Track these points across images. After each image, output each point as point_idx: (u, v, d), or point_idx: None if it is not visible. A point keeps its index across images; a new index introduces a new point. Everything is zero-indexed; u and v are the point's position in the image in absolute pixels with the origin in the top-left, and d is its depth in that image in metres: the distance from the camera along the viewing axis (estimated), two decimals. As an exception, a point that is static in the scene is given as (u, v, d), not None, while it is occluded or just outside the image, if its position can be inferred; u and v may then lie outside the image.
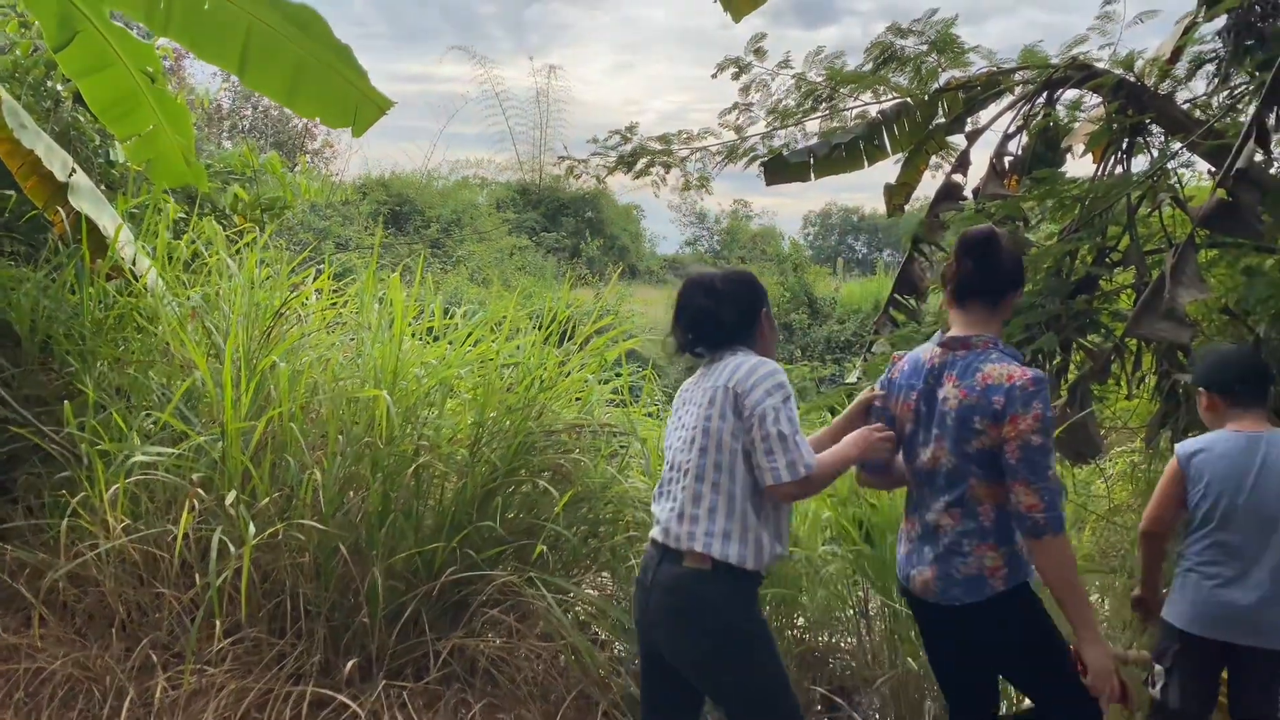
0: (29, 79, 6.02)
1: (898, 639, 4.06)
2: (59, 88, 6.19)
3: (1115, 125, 5.76)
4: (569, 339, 4.90)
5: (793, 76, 6.76)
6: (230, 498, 3.81)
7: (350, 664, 3.78)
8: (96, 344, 4.73)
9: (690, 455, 2.85)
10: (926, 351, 2.92)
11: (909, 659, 3.98)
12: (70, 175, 5.13)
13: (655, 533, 2.93)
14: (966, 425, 2.71)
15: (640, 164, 7.80)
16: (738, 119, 7.22)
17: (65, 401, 4.28)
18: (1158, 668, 3.28)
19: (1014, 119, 6.45)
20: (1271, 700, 3.15)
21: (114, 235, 5.08)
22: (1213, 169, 5.44)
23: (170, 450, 4.07)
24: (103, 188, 6.28)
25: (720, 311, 2.96)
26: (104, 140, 6.44)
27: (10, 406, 4.48)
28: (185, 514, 3.72)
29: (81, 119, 6.25)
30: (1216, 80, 5.73)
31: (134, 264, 5.16)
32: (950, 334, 2.88)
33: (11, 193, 5.33)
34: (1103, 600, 5.10)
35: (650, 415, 5.16)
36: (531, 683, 3.94)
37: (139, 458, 3.95)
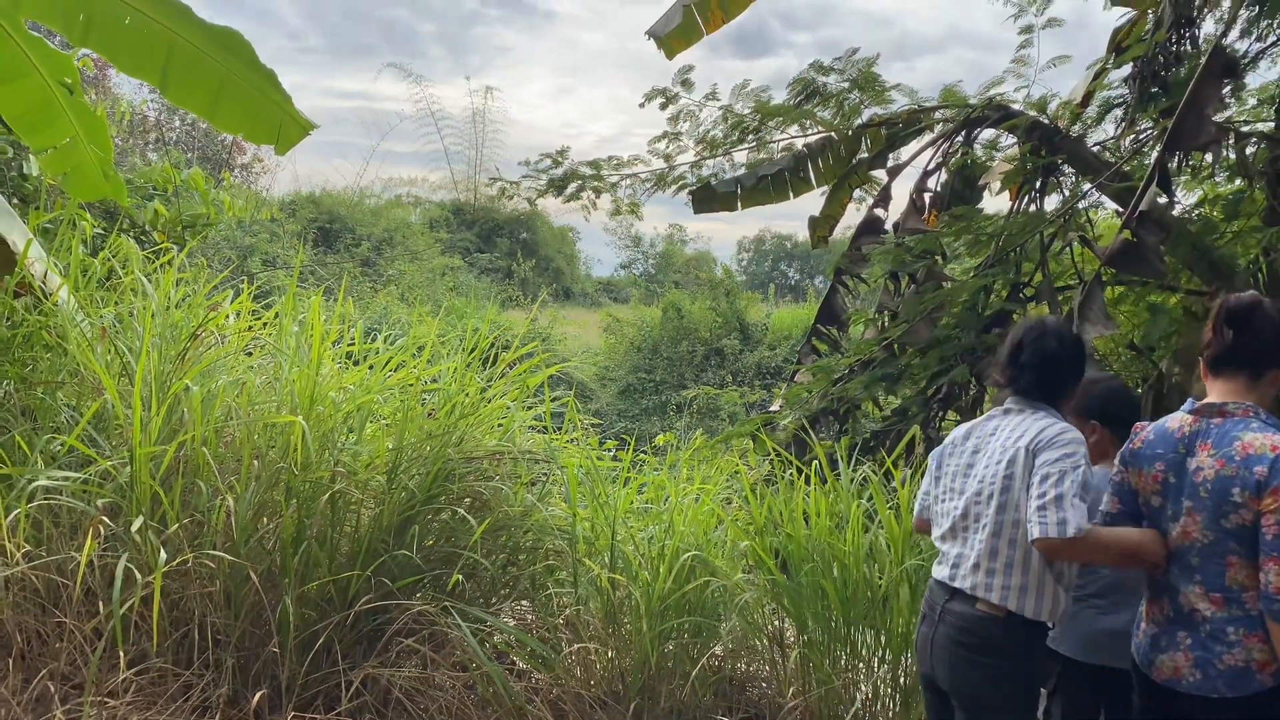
0: (-62, 88, 5.83)
1: (810, 666, 4.11)
2: (-30, 98, 6.00)
3: (1029, 165, 5.96)
4: (494, 363, 4.89)
5: (720, 108, 6.87)
6: (137, 524, 3.71)
7: (259, 694, 3.70)
8: (1, 363, 4.59)
9: (988, 510, 2.92)
10: (1175, 420, 2.75)
11: (820, 685, 4.03)
12: (-22, 189, 4.98)
13: (942, 574, 3.04)
14: (1224, 498, 2.54)
15: (571, 188, 7.85)
16: (667, 148, 7.32)
17: (-35, 423, 4.15)
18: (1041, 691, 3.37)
19: (934, 156, 6.65)
20: None
21: (23, 251, 4.94)
22: (1120, 209, 5.66)
23: (75, 475, 3.95)
24: (15, 201, 6.11)
25: (1065, 361, 3.03)
26: (18, 153, 6.27)
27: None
28: (89, 540, 3.62)
29: (-6, 130, 6.08)
30: (1124, 124, 5.97)
31: (44, 281, 5.02)
32: (1204, 401, 2.71)
33: (-84, 206, 5.15)
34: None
35: (572, 442, 5.15)
36: (445, 712, 3.90)
37: (42, 482, 3.83)
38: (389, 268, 22.87)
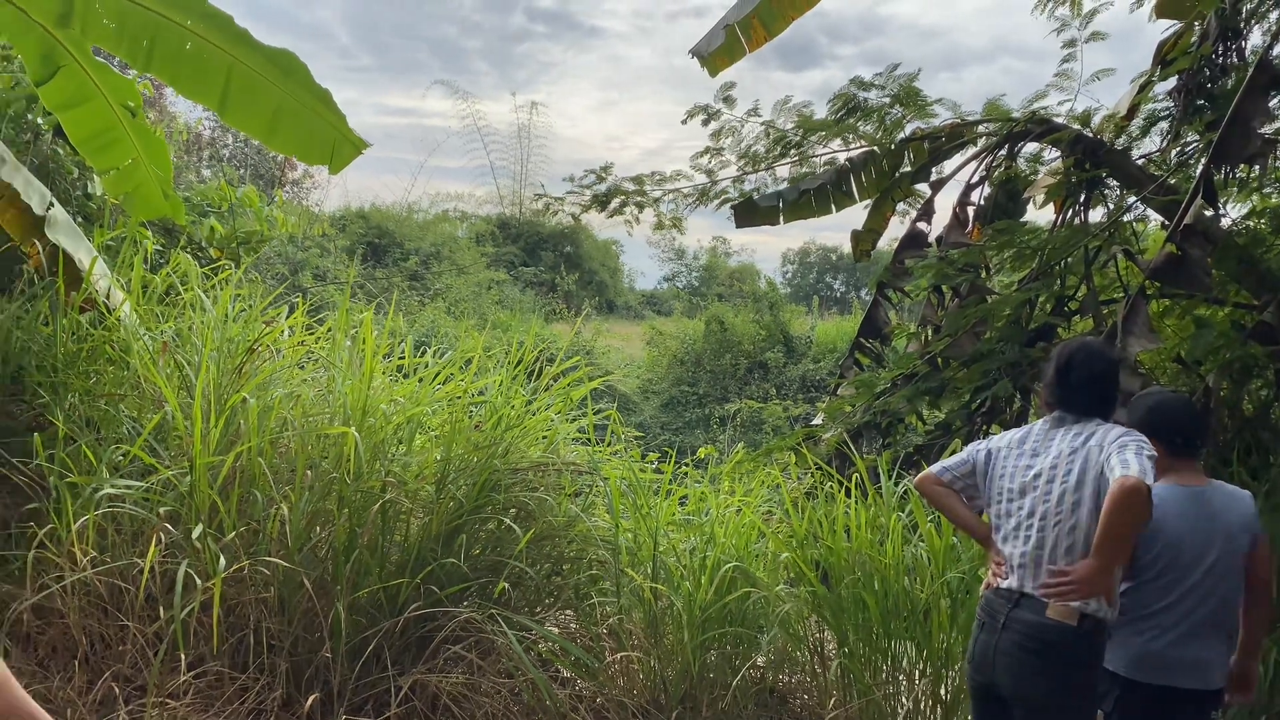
0: (9, 112, 6.08)
1: (851, 678, 4.14)
2: (39, 121, 6.25)
3: (1073, 179, 5.94)
4: (539, 376, 4.99)
5: (761, 124, 6.93)
6: (197, 532, 3.85)
7: (312, 699, 3.80)
8: (68, 376, 4.77)
9: (1063, 509, 3.03)
10: None
11: (861, 697, 4.06)
12: (48, 209, 5.18)
13: (1010, 581, 3.10)
14: None
15: (614, 204, 7.94)
16: (709, 163, 7.39)
17: (35, 433, 4.31)
18: (1099, 713, 3.37)
19: (977, 169, 6.65)
20: None
21: (89, 268, 5.13)
22: (1166, 222, 5.62)
23: (139, 483, 4.11)
24: (80, 220, 6.33)
25: (1111, 380, 3.20)
26: (83, 173, 6.49)
27: (-21, 436, 4.50)
28: (152, 547, 3.76)
29: (61, 152, 6.31)
30: (1169, 137, 5.93)
31: (108, 297, 5.20)
32: None
33: (-12, 224, 5.37)
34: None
35: (615, 454, 5.22)
36: (491, 718, 3.98)
37: (107, 490, 3.99)
38: (436, 281, 23.18)
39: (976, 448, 3.37)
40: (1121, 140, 6.17)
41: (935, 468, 3.41)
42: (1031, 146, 6.60)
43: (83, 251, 5.30)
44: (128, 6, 4.66)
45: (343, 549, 4.10)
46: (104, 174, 5.63)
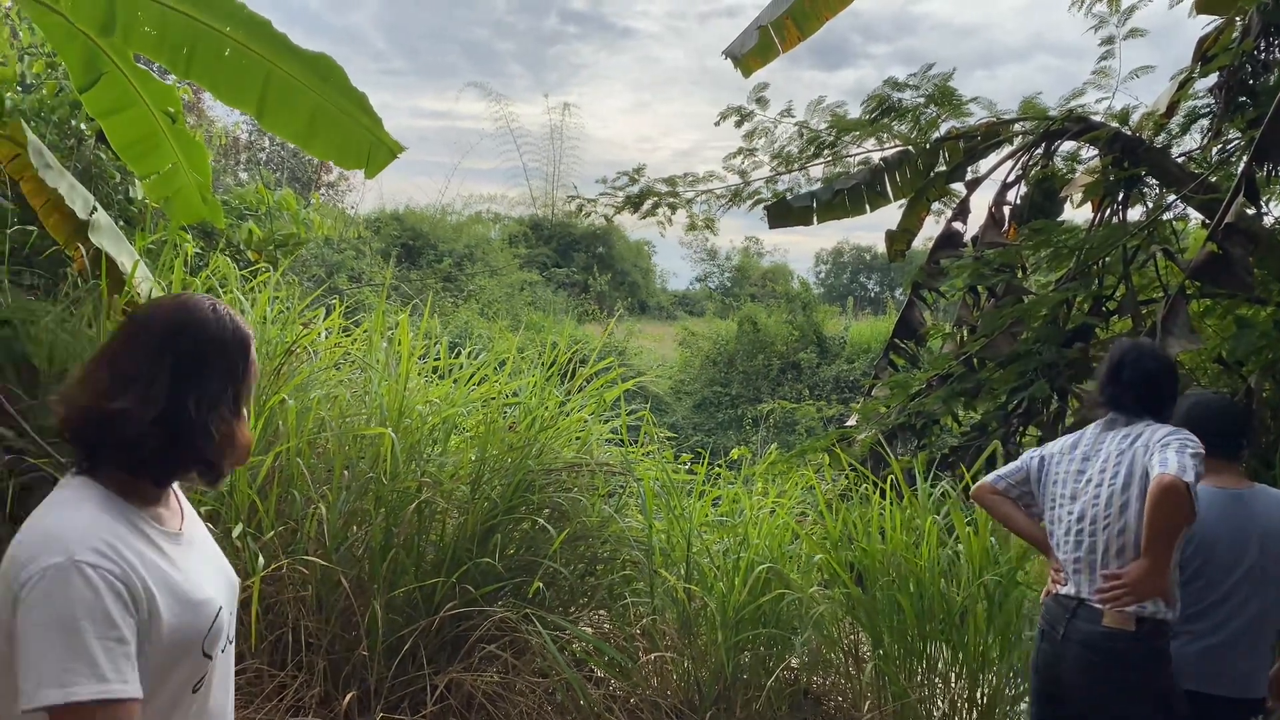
0: (54, 118, 6.20)
1: (885, 681, 4.12)
2: (82, 126, 6.37)
3: (1111, 177, 5.88)
4: (572, 377, 5.01)
5: (795, 124, 6.91)
6: (236, 531, 3.90)
7: (349, 696, 3.85)
8: (111, 377, 4.84)
9: (1110, 512, 3.02)
10: None
11: (895, 700, 4.03)
12: (92, 213, 5.28)
13: (1066, 589, 3.10)
14: None
15: (646, 205, 7.96)
16: (742, 163, 7.38)
17: (80, 433, 4.38)
18: None
19: (1013, 168, 6.59)
20: None
21: (131, 271, 5.22)
22: (1206, 221, 5.55)
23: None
24: (121, 223, 6.44)
25: (1163, 380, 3.18)
26: (124, 177, 6.61)
27: (28, 437, 4.59)
28: (193, 546, 3.81)
29: (103, 156, 6.43)
30: (1210, 135, 5.85)
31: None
32: None
33: (33, 229, 5.48)
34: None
35: (648, 455, 5.23)
36: (526, 717, 4.00)
37: (149, 490, 4.05)
38: (469, 283, 23.31)
39: (1031, 455, 3.39)
40: (1161, 138, 6.09)
41: (990, 477, 3.41)
42: (1068, 145, 6.55)
43: (125, 255, 5.40)
44: (168, 14, 4.73)
45: (379, 548, 4.14)
46: (145, 179, 5.72)
